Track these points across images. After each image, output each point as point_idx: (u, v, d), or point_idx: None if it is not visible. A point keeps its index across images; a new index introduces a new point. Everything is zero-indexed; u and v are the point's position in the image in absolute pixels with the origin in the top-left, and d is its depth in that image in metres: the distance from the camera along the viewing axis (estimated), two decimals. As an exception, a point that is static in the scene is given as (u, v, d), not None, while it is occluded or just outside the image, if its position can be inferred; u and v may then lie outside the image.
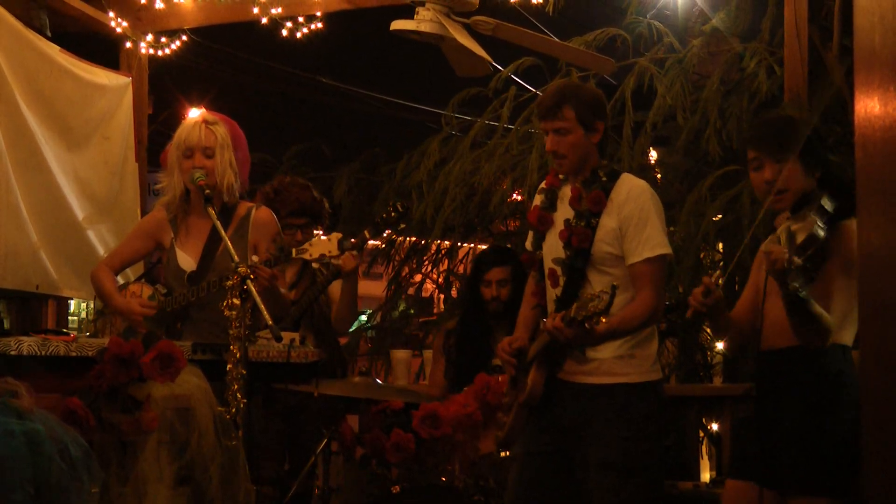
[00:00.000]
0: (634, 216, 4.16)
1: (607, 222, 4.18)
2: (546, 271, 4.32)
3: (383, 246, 8.60)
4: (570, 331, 3.99)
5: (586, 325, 3.92)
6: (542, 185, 4.45)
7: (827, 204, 3.78)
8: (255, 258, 4.55)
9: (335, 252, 4.58)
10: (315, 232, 5.51)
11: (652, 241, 4.14)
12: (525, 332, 4.41)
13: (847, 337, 3.85)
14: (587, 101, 4.30)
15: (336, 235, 4.62)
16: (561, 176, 4.37)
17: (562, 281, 4.22)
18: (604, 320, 3.89)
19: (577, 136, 4.24)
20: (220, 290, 4.39)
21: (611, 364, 4.18)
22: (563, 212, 4.30)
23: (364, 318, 8.88)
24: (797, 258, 3.67)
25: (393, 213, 5.15)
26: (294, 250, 4.63)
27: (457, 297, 7.92)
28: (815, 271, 3.78)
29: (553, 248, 4.30)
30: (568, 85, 4.58)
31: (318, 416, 5.30)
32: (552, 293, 4.27)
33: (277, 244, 4.64)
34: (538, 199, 4.43)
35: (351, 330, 8.32)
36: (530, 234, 4.46)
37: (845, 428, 3.78)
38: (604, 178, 4.24)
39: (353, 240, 4.71)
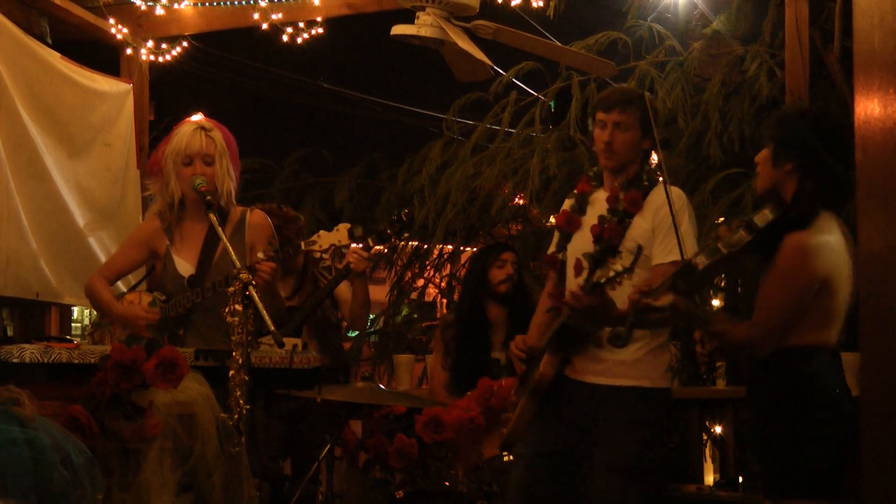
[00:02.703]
0: (668, 219, 4.18)
1: (641, 223, 4.26)
2: (572, 262, 4.34)
3: (385, 251, 8.59)
4: (589, 298, 4.00)
5: (607, 287, 3.92)
6: (574, 191, 4.52)
7: (760, 219, 3.79)
8: (260, 255, 4.55)
9: (345, 241, 4.61)
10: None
11: (682, 246, 4.15)
12: (538, 336, 4.43)
13: (802, 339, 3.80)
14: (653, 108, 4.40)
15: (344, 225, 4.64)
16: (594, 183, 4.43)
17: (585, 273, 4.24)
18: (627, 279, 3.89)
19: (634, 136, 4.34)
20: (222, 293, 4.38)
21: (623, 366, 4.20)
22: (594, 215, 4.37)
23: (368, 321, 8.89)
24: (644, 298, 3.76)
25: (397, 223, 5.17)
26: (303, 243, 4.65)
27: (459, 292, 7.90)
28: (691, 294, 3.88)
29: (579, 247, 4.35)
30: (641, 91, 4.66)
31: (321, 421, 5.30)
32: (574, 284, 4.26)
33: (273, 247, 4.64)
34: (567, 204, 4.50)
35: (354, 335, 8.32)
36: (556, 235, 4.51)
37: (787, 428, 3.78)
38: (646, 183, 4.33)
39: (360, 228, 4.71)
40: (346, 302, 5.88)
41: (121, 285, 5.49)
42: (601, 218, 4.30)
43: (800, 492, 3.77)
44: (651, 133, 4.33)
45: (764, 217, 3.78)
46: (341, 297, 5.92)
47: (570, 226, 4.41)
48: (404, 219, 5.18)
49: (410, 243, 8.57)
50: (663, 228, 4.21)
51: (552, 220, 7.18)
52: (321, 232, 4.70)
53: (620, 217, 4.26)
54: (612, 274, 3.87)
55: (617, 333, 3.88)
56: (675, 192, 4.32)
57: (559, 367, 4.27)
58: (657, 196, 4.28)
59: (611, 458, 4.16)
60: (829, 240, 3.77)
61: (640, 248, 3.98)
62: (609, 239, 4.23)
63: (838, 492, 3.76)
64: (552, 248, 4.49)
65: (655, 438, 4.21)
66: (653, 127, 4.32)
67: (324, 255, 4.95)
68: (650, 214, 4.26)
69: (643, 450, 4.17)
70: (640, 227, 4.25)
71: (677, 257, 4.09)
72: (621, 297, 4.04)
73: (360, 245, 5.04)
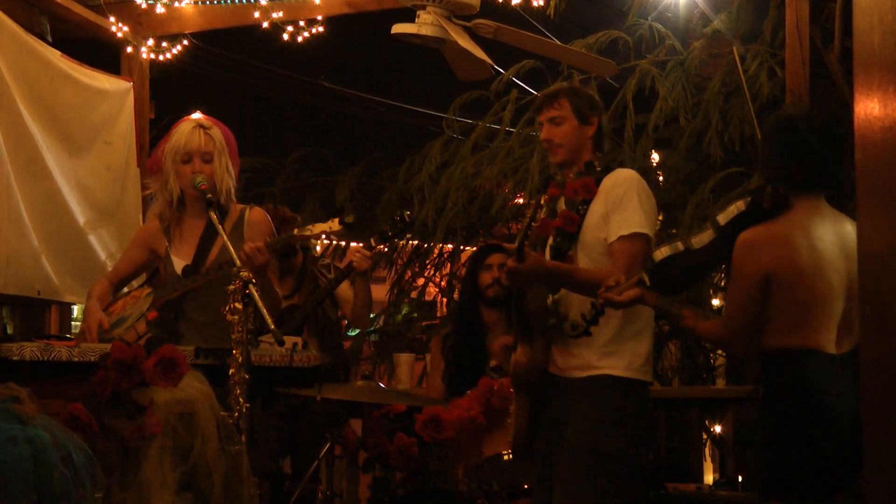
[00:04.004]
0: (618, 199, 4.22)
1: (597, 209, 4.25)
2: None
3: (386, 250, 8.59)
4: (513, 262, 4.06)
5: (524, 242, 4.01)
6: (545, 196, 4.51)
7: (724, 216, 3.86)
8: (253, 244, 4.55)
9: (336, 228, 4.64)
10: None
11: (629, 221, 4.17)
12: None
13: (781, 340, 3.82)
14: (583, 94, 4.44)
15: (335, 218, 4.68)
16: (569, 175, 4.41)
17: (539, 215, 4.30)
18: (534, 224, 4.02)
19: (571, 125, 4.36)
20: (222, 291, 4.37)
21: (596, 358, 4.20)
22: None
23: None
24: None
25: (399, 224, 5.19)
26: (296, 230, 4.68)
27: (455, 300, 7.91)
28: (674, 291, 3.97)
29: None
30: (565, 84, 4.70)
31: (321, 420, 5.31)
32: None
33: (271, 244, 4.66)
34: (543, 211, 4.49)
35: (354, 333, 8.33)
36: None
37: (770, 430, 3.82)
38: (598, 169, 4.32)
39: (351, 216, 4.77)
40: (346, 301, 5.89)
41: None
42: (559, 210, 4.32)
43: (778, 493, 3.79)
44: (589, 118, 4.36)
45: (728, 214, 3.84)
46: (342, 296, 5.93)
47: (544, 231, 4.42)
48: (407, 219, 5.21)
49: (411, 242, 8.57)
50: (613, 208, 4.21)
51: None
52: (316, 223, 4.74)
53: (576, 206, 4.28)
54: (518, 241, 3.98)
55: (575, 324, 3.94)
56: (626, 172, 4.35)
57: (542, 361, 4.29)
58: (609, 180, 4.28)
59: (575, 438, 4.16)
60: (779, 233, 3.79)
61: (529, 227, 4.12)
62: (565, 227, 4.26)
63: (820, 497, 3.77)
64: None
65: (622, 422, 4.15)
66: (590, 109, 4.37)
67: (315, 241, 4.98)
68: (603, 198, 4.25)
69: (606, 431, 4.13)
70: (595, 213, 4.25)
71: (625, 232, 4.15)
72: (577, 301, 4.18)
73: (362, 244, 5.06)
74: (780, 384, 3.80)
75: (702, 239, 3.85)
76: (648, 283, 3.86)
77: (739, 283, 3.81)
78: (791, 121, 3.95)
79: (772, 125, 4.00)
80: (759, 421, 3.92)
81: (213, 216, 4.51)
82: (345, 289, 5.86)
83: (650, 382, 4.32)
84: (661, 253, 3.87)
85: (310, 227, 4.71)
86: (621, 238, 4.17)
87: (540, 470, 4.38)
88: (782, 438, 3.76)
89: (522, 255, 4.02)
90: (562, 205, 4.35)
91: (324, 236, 4.77)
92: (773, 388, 3.83)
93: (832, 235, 3.80)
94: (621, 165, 4.94)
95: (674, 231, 6.67)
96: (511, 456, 5.06)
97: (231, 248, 4.30)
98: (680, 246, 3.84)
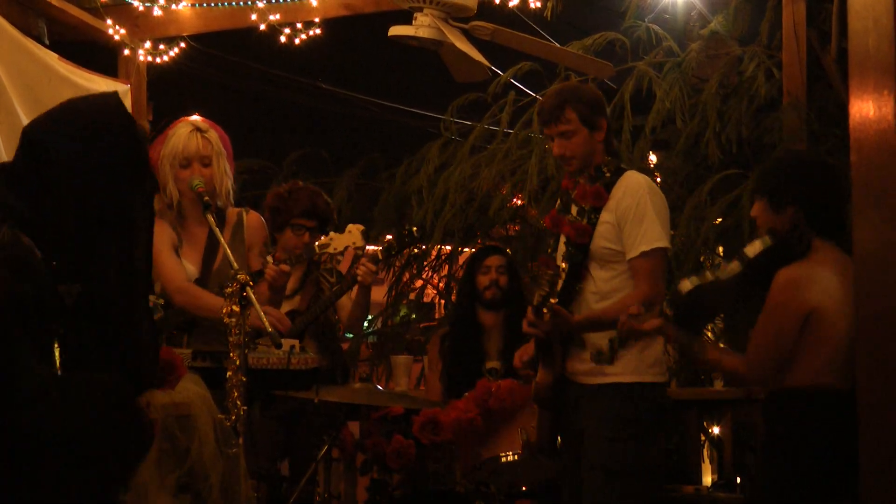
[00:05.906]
0: (631, 211, 4.19)
1: (606, 217, 4.24)
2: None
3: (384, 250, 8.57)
4: (540, 323, 4.10)
5: (544, 310, 3.97)
6: (561, 188, 4.51)
7: (751, 249, 3.87)
8: (269, 259, 4.57)
9: (360, 243, 4.63)
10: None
11: (648, 236, 4.16)
12: None
13: (799, 380, 3.83)
14: (587, 100, 4.37)
15: (356, 227, 4.65)
16: (579, 180, 4.41)
17: (563, 276, 4.26)
18: (553, 301, 3.95)
19: (582, 136, 4.31)
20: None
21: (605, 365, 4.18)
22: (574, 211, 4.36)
23: (365, 323, 8.87)
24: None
25: (406, 237, 5.19)
26: (317, 245, 4.67)
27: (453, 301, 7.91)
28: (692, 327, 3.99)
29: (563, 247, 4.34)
30: (566, 87, 4.64)
31: (319, 422, 5.30)
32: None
33: (268, 248, 4.65)
34: (558, 204, 4.48)
35: (352, 335, 8.32)
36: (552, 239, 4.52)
37: (775, 472, 3.85)
38: (607, 175, 4.28)
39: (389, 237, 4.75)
40: (344, 308, 5.86)
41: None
42: (570, 219, 4.30)
43: None
44: (597, 123, 4.32)
45: (755, 248, 3.86)
46: (339, 302, 5.90)
47: (555, 226, 4.41)
48: (415, 234, 5.21)
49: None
50: (628, 220, 4.19)
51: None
52: (332, 234, 4.71)
53: (588, 215, 4.26)
54: (538, 301, 3.96)
55: (599, 352, 3.96)
56: (637, 179, 4.31)
57: (560, 368, 4.29)
58: (620, 187, 4.25)
59: (591, 456, 4.17)
60: (819, 272, 3.81)
61: (558, 268, 4.06)
62: (577, 240, 4.24)
63: None
64: (549, 250, 4.51)
65: (638, 436, 4.17)
66: (596, 113, 4.34)
67: (338, 258, 4.96)
68: (613, 207, 4.23)
69: (621, 446, 4.14)
70: (605, 221, 4.23)
71: (646, 248, 4.13)
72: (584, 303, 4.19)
73: (368, 247, 5.04)
74: (809, 423, 3.80)
75: (729, 271, 3.86)
76: (671, 315, 3.88)
77: (778, 318, 3.81)
78: (814, 162, 4.07)
79: (796, 164, 4.04)
80: (780, 456, 3.90)
81: (211, 219, 4.50)
82: (343, 298, 5.84)
83: (664, 383, 4.31)
84: (687, 285, 3.87)
85: (329, 239, 4.68)
86: (643, 254, 4.15)
87: (565, 466, 4.40)
88: (808, 473, 3.78)
89: (542, 315, 4.03)
90: (573, 210, 4.35)
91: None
92: (799, 427, 3.82)
93: (847, 276, 3.85)
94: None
95: (672, 233, 6.67)
96: (513, 457, 5.07)
97: (229, 253, 4.29)
98: (708, 276, 3.85)
